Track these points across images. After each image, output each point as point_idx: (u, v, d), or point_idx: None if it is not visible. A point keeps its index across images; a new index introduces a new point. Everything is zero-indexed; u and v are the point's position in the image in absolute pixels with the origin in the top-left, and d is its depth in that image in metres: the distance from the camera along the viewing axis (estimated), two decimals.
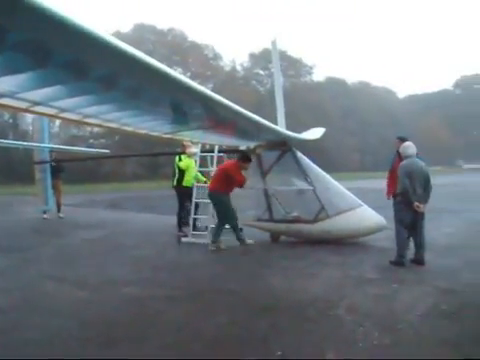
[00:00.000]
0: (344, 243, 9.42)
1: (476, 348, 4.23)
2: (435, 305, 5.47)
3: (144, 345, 4.33)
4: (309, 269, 7.45)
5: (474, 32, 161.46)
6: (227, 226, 9.38)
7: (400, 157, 9.04)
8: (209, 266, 7.93)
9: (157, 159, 38.85)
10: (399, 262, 7.46)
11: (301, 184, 10.22)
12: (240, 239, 9.20)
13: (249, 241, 9.19)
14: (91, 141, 47.84)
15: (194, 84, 4.31)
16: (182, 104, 5.33)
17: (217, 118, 6.27)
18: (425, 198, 7.55)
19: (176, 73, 3.98)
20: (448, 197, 18.86)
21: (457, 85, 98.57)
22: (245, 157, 9.37)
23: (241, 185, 9.17)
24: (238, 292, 6.18)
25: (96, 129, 40.65)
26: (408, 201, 7.44)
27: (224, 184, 9.18)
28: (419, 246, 7.62)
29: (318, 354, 4.07)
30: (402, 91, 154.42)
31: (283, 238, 10.29)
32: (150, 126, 6.42)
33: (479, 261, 7.77)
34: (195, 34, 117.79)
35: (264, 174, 10.47)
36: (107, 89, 4.15)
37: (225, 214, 9.26)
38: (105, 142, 46.68)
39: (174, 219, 11.41)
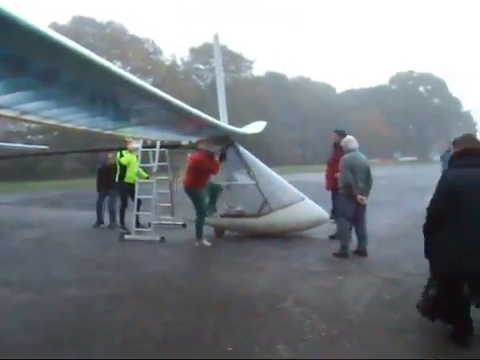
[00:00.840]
0: (287, 236, 9.49)
1: (417, 335, 4.36)
2: (379, 295, 5.60)
3: (91, 347, 4.19)
4: (255, 263, 7.46)
5: (408, 30, 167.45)
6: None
7: (337, 150, 9.21)
8: (153, 263, 7.77)
9: (97, 155, 38.03)
10: (343, 254, 7.59)
11: (244, 178, 10.23)
12: (200, 238, 9.08)
13: (207, 243, 9.07)
14: (29, 137, 46.14)
15: (135, 79, 4.18)
16: (123, 100, 5.17)
17: (158, 113, 6.14)
18: (367, 191, 7.71)
19: (117, 68, 3.84)
20: (386, 189, 19.39)
21: (393, 81, 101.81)
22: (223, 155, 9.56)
23: (215, 172, 9.31)
24: (184, 289, 6.11)
25: (34, 125, 39.29)
26: (350, 194, 7.56)
27: (196, 177, 9.10)
28: (361, 238, 7.79)
29: (268, 348, 4.06)
30: (340, 86, 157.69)
31: (227, 233, 10.26)
32: (90, 122, 6.21)
33: (418, 251, 7.92)
34: (135, 28, 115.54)
35: None
36: (46, 85, 3.95)
37: (198, 208, 9.18)
38: (43, 138, 45.19)
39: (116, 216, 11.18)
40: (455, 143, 4.59)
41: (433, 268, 4.42)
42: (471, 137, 4.57)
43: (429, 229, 4.44)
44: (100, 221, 11.76)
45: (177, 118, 6.53)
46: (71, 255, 8.53)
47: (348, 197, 7.62)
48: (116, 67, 3.80)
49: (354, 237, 7.92)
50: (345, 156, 7.82)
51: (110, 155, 11.94)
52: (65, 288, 6.20)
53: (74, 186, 29.30)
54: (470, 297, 4.09)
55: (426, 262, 4.58)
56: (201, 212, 9.17)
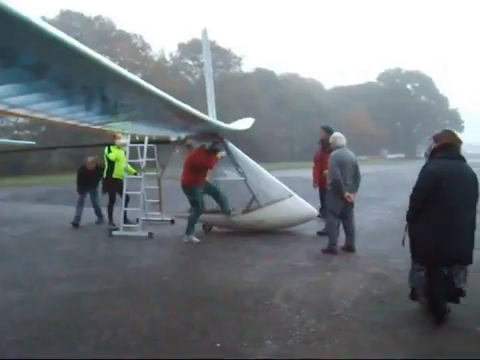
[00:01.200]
0: (276, 233, 9.50)
1: (404, 329, 4.39)
2: (366, 290, 5.64)
3: (80, 344, 4.16)
4: (243, 259, 7.47)
5: (397, 28, 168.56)
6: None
7: (323, 146, 9.23)
8: (142, 259, 7.73)
9: (85, 150, 37.76)
10: (331, 250, 7.62)
11: (232, 175, 10.21)
12: (189, 234, 9.03)
13: (196, 239, 9.03)
14: (16, 132, 45.57)
15: (126, 72, 4.14)
16: (113, 93, 5.13)
17: (148, 108, 6.11)
18: (355, 187, 7.74)
19: (108, 61, 3.79)
20: (373, 186, 19.49)
21: (381, 78, 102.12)
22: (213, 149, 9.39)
23: (211, 167, 9.36)
24: (173, 285, 6.10)
25: (21, 120, 38.84)
26: (339, 190, 7.58)
27: (193, 174, 9.07)
28: (349, 234, 7.83)
29: (257, 344, 4.06)
30: (328, 83, 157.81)
31: (215, 229, 10.25)
32: (80, 117, 6.16)
33: (405, 247, 8.03)
34: (123, 23, 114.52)
35: None
36: (35, 77, 3.87)
37: (194, 206, 9.14)
38: (31, 133, 44.58)
39: (103, 212, 11.10)
40: (435, 138, 4.94)
41: (416, 253, 4.77)
42: (449, 133, 4.94)
43: (412, 216, 4.80)
44: (77, 220, 11.10)
45: (167, 113, 6.50)
46: (59, 251, 8.47)
47: (336, 193, 7.64)
48: (107, 59, 3.75)
49: (342, 233, 7.95)
50: (334, 153, 7.83)
51: (90, 159, 11.66)
52: (53, 285, 6.15)
53: (62, 182, 29.03)
54: (452, 278, 4.50)
55: None
56: (197, 210, 9.14)
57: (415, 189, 4.78)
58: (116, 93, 5.09)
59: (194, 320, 4.70)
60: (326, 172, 8.62)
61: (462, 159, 4.78)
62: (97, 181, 11.40)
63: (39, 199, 19.00)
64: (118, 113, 6.39)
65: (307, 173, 9.56)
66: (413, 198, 4.79)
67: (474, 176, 4.68)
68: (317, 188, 9.81)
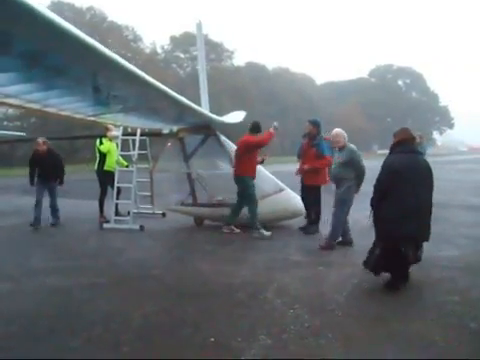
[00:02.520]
0: (268, 226, 9.44)
1: (398, 323, 4.38)
2: (359, 285, 5.63)
3: (71, 338, 4.10)
4: (236, 253, 7.44)
5: (389, 24, 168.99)
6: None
7: (309, 140, 9.09)
8: (133, 252, 7.67)
9: (75, 143, 37.43)
10: (331, 246, 7.56)
11: (225, 168, 10.14)
12: (256, 228, 8.78)
13: (266, 233, 8.73)
14: (5, 123, 45.09)
15: (122, 60, 4.05)
16: (109, 83, 5.04)
17: (143, 98, 6.02)
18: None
19: (106, 49, 3.69)
20: (367, 180, 19.46)
21: (372, 74, 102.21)
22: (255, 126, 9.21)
23: (266, 142, 9.02)
24: (164, 278, 6.05)
25: (10, 111, 38.40)
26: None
27: (246, 162, 8.91)
28: (348, 228, 7.88)
29: (251, 339, 4.01)
30: (320, 78, 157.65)
31: (207, 222, 10.19)
32: (74, 108, 6.05)
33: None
34: (115, 14, 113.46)
35: (187, 158, 10.29)
36: (31, 65, 3.76)
37: (247, 197, 8.96)
38: (20, 124, 44.17)
39: (95, 204, 10.98)
40: (394, 135, 5.71)
41: (379, 232, 5.55)
42: (405, 130, 5.71)
43: (376, 202, 5.57)
44: (37, 221, 10.10)
45: (162, 103, 6.42)
46: (48, 244, 8.40)
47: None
48: (104, 47, 3.65)
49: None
50: (354, 150, 7.62)
51: (41, 140, 10.35)
52: (43, 277, 6.08)
53: None
54: (408, 254, 5.31)
55: None
56: (250, 201, 8.92)
57: (377, 180, 5.58)
58: (112, 82, 5.00)
59: (187, 314, 4.65)
60: (308, 167, 8.76)
61: (417, 153, 5.66)
62: (55, 172, 10.43)
63: (28, 191, 18.80)
64: (112, 103, 6.29)
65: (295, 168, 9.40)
66: (376, 187, 5.60)
67: (428, 167, 5.51)
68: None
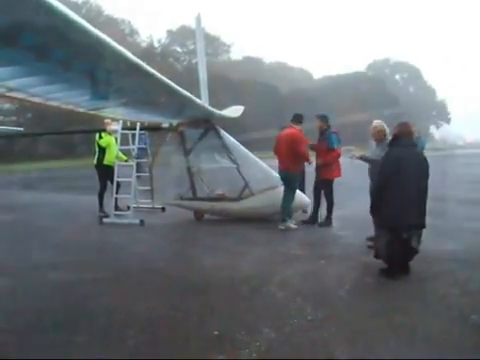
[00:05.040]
0: (267, 220, 9.44)
1: (401, 317, 4.40)
2: (360, 278, 5.68)
3: (75, 332, 4.11)
4: (237, 247, 7.45)
5: (384, 18, 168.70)
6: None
7: (321, 134, 9.10)
8: (134, 246, 7.69)
9: (72, 138, 37.31)
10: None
11: (225, 162, 10.13)
12: (284, 220, 8.73)
13: (294, 226, 8.76)
14: (1, 118, 44.89)
15: (126, 52, 4.04)
16: (112, 76, 5.03)
17: (144, 90, 6.02)
18: None
19: (112, 41, 3.68)
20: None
21: (369, 68, 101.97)
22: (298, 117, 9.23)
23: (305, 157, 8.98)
24: (167, 272, 6.07)
25: (7, 105, 38.25)
26: None
27: (293, 157, 8.81)
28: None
29: (255, 331, 4.03)
30: (317, 72, 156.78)
31: (207, 216, 10.19)
32: (76, 102, 6.06)
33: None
34: (111, 8, 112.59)
35: (187, 152, 10.28)
36: (35, 59, 3.73)
37: (292, 191, 8.93)
38: (17, 120, 44.04)
39: (94, 199, 10.97)
40: (394, 128, 6.05)
41: (383, 221, 5.81)
42: (403, 124, 5.99)
43: (376, 193, 5.94)
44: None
45: (162, 96, 6.43)
46: (50, 239, 8.38)
47: None
48: (109, 38, 3.64)
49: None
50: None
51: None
52: (46, 272, 6.08)
53: (47, 169, 28.80)
54: (412, 241, 5.56)
55: None
56: (291, 194, 8.90)
57: (379, 172, 5.90)
58: (114, 75, 4.99)
59: (190, 308, 4.67)
60: (321, 162, 8.83)
61: (414, 146, 6.11)
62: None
63: (27, 186, 18.82)
64: (115, 96, 6.29)
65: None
66: (378, 178, 6.00)
67: (424, 159, 5.90)
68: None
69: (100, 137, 10.71)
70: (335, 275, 5.80)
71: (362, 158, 7.52)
